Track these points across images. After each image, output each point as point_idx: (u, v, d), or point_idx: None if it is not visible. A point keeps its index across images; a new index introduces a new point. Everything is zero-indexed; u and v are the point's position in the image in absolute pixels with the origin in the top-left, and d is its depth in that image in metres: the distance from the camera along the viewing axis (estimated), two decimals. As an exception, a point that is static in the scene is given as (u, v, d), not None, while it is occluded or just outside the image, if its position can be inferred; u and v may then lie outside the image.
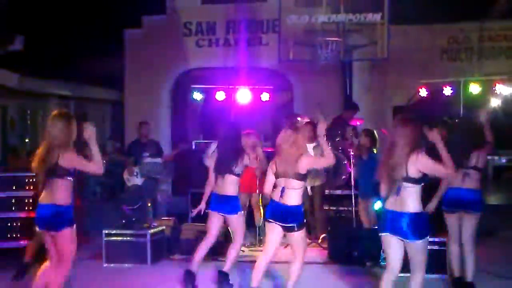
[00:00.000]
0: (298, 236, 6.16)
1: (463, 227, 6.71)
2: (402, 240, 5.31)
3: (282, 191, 6.12)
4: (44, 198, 5.69)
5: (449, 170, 5.26)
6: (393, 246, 5.37)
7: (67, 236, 5.63)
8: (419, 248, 5.28)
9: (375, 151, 9.04)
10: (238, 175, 7.10)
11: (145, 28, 14.38)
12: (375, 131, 9.23)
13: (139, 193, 9.31)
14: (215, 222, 7.19)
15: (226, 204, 7.09)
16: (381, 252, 8.19)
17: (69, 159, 5.55)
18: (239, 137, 7.30)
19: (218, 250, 8.67)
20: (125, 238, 8.36)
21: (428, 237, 5.33)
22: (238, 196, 7.20)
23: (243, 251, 9.02)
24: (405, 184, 5.25)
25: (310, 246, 9.26)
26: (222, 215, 7.16)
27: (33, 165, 5.68)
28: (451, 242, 6.85)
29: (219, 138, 7.28)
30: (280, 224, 6.16)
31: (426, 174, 5.29)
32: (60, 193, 5.60)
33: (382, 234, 5.43)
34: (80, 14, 14.92)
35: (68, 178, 5.63)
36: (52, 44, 14.52)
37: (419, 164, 5.23)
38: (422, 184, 5.31)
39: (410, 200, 5.26)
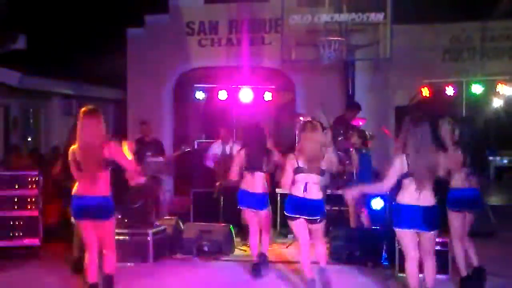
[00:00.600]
0: (320, 225, 6.61)
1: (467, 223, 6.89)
2: (418, 233, 5.73)
3: (306, 186, 6.44)
4: (87, 190, 5.93)
5: None
6: (413, 240, 5.75)
7: (114, 224, 6.12)
8: (434, 238, 5.74)
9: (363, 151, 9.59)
10: (265, 172, 7.59)
11: (147, 27, 14.39)
12: (367, 132, 9.54)
13: (141, 192, 9.30)
14: (250, 217, 7.69)
15: (256, 200, 7.47)
16: (383, 252, 8.23)
17: (113, 151, 5.93)
18: (265, 137, 7.72)
19: (220, 249, 8.70)
20: (127, 237, 8.36)
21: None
22: (267, 193, 7.63)
23: (245, 250, 9.05)
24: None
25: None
26: (254, 211, 7.57)
27: (80, 160, 5.92)
28: (456, 241, 6.83)
29: (248, 138, 7.69)
30: (305, 217, 6.51)
31: None
32: (105, 184, 5.95)
33: (405, 230, 5.73)
34: (83, 12, 14.92)
35: (109, 169, 6.00)
36: (55, 43, 14.53)
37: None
38: None
39: (431, 194, 5.69)
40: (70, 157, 6.06)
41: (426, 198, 5.68)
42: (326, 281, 6.64)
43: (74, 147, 6.04)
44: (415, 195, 5.65)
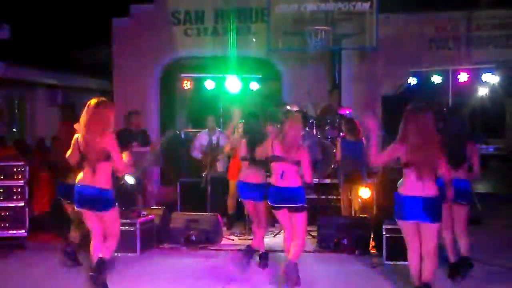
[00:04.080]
0: (302, 216, 6.45)
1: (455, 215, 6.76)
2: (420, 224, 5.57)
3: (282, 174, 6.37)
4: (87, 179, 5.96)
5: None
6: (415, 231, 5.60)
7: (115, 215, 6.08)
8: (435, 231, 5.55)
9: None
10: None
11: (133, 16, 14.28)
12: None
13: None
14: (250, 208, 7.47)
15: (255, 191, 7.21)
16: (370, 240, 8.27)
17: (108, 141, 5.90)
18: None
19: (207, 238, 8.70)
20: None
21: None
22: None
23: (232, 240, 9.06)
24: None
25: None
26: (252, 202, 7.33)
27: (83, 150, 5.96)
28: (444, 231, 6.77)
29: (250, 130, 7.37)
30: (288, 205, 6.43)
31: None
32: (105, 176, 5.95)
33: (408, 221, 5.60)
34: (68, 2, 14.80)
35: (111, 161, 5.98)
36: (39, 33, 14.41)
37: None
38: None
39: (433, 184, 5.53)
40: (72, 146, 6.10)
41: (428, 189, 5.48)
42: (289, 277, 6.34)
43: (78, 135, 6.05)
44: (416, 185, 5.49)
